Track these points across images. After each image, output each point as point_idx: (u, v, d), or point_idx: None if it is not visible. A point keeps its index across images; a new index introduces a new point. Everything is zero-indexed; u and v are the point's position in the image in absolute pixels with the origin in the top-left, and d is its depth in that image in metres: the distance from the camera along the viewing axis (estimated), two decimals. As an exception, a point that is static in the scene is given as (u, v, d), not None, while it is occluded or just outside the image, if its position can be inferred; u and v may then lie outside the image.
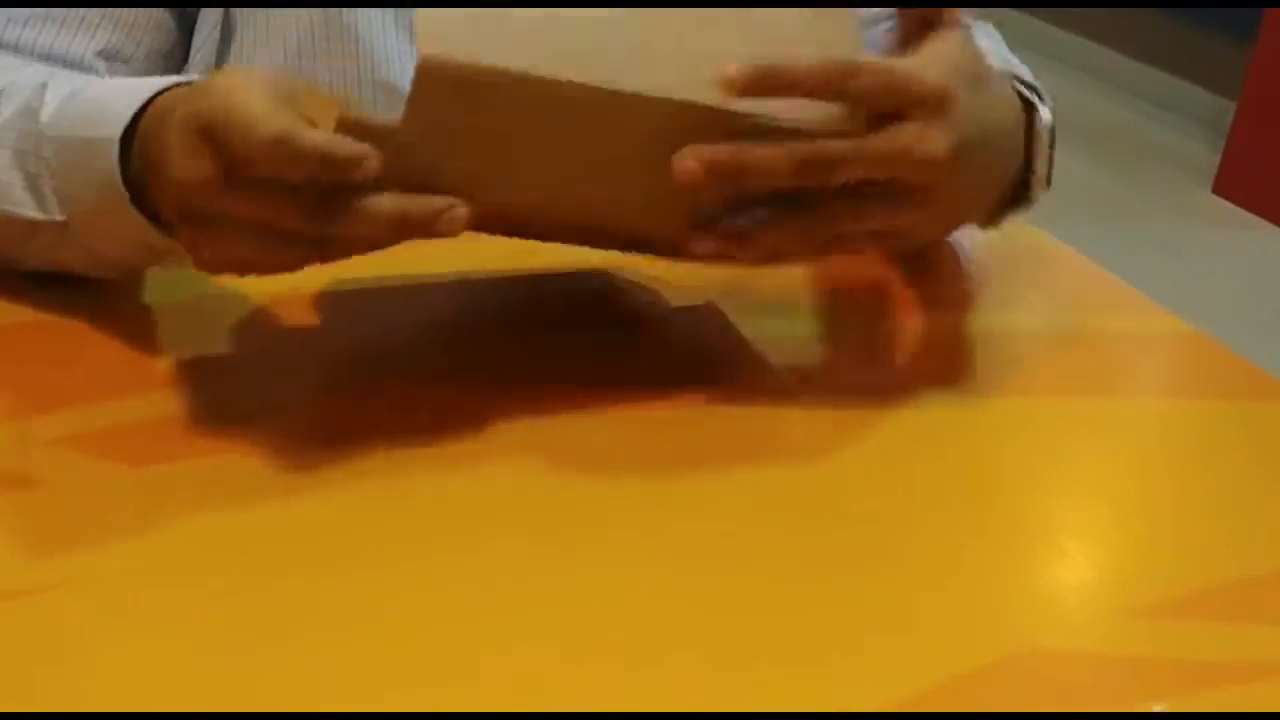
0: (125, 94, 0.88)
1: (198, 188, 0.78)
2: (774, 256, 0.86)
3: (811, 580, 0.77)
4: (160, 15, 1.09)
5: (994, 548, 0.81)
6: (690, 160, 0.79)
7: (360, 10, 1.08)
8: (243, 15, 1.09)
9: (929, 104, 0.81)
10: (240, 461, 0.81)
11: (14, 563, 0.73)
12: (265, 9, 1.09)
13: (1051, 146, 0.97)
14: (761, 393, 0.92)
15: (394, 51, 1.09)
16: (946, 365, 0.97)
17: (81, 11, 1.05)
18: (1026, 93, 0.97)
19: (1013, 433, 0.92)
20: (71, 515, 0.77)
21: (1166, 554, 0.82)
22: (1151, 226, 3.62)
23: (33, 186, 0.92)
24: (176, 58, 1.12)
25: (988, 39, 1.08)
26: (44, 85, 0.93)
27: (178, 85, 0.87)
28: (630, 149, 0.81)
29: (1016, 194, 0.97)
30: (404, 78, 1.08)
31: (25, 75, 0.96)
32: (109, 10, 1.06)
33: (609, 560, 0.77)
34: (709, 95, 0.79)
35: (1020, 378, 0.97)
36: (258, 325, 0.94)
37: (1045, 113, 0.96)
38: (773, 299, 1.01)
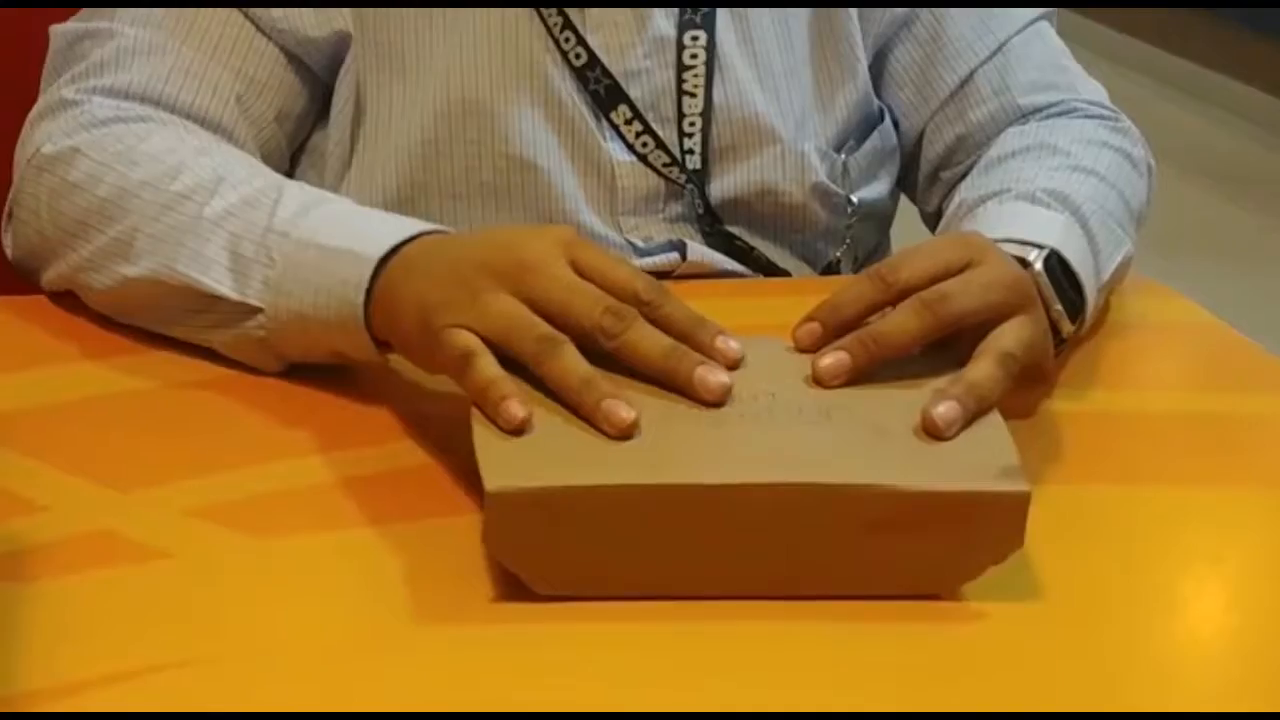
0: (381, 220, 0.94)
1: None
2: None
3: (974, 676, 0.74)
4: (290, 78, 1.10)
5: (1153, 657, 0.78)
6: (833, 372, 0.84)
7: (493, 87, 1.09)
8: (378, 90, 1.10)
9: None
10: (368, 535, 0.81)
11: (137, 640, 0.73)
12: (402, 85, 1.10)
13: (1069, 284, 0.98)
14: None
15: (526, 127, 1.10)
16: (1077, 450, 0.94)
17: (218, 70, 1.07)
18: (1017, 250, 0.97)
19: (1153, 525, 0.89)
20: (198, 589, 0.77)
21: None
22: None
23: (237, 268, 0.94)
24: (306, 125, 1.13)
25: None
26: (279, 187, 0.97)
27: (437, 231, 0.92)
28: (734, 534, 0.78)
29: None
30: (536, 153, 1.10)
31: (245, 173, 0.99)
32: (241, 67, 1.07)
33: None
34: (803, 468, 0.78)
35: (1161, 465, 0.95)
36: (392, 398, 0.93)
37: (1037, 262, 0.97)
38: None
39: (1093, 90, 1.22)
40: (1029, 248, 0.97)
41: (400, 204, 1.11)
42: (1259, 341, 1.10)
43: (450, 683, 0.71)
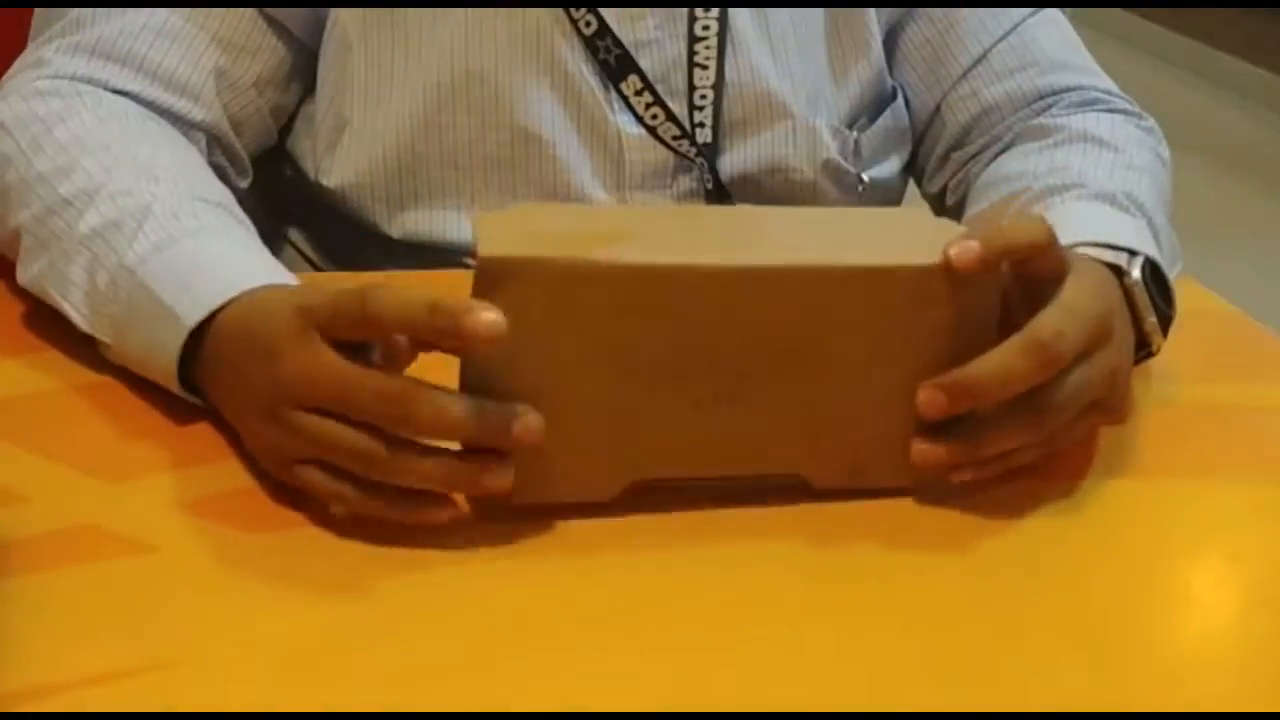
0: (219, 270, 0.87)
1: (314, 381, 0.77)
2: (1005, 460, 0.83)
3: (978, 664, 0.73)
4: (270, 42, 1.08)
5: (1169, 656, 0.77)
6: (932, 392, 0.80)
7: (499, 56, 1.07)
8: (377, 58, 1.08)
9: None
10: (363, 530, 0.78)
11: (119, 640, 0.71)
12: (404, 55, 1.07)
13: (1160, 295, 0.96)
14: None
15: (531, 98, 1.08)
16: (1087, 443, 0.91)
17: (193, 30, 1.05)
18: (1111, 257, 0.94)
19: (1169, 518, 0.87)
20: (185, 586, 0.75)
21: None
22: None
23: (92, 295, 0.91)
24: (292, 92, 1.12)
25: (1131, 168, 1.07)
26: (147, 211, 0.91)
27: (267, 287, 0.85)
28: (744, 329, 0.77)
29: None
30: (541, 125, 1.08)
31: (127, 181, 0.94)
32: (219, 30, 1.05)
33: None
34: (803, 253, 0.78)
35: (1175, 458, 0.92)
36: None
37: (1135, 270, 0.94)
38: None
39: (1105, 82, 1.20)
40: (1122, 253, 0.95)
41: (401, 173, 1.09)
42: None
43: (439, 678, 0.70)
